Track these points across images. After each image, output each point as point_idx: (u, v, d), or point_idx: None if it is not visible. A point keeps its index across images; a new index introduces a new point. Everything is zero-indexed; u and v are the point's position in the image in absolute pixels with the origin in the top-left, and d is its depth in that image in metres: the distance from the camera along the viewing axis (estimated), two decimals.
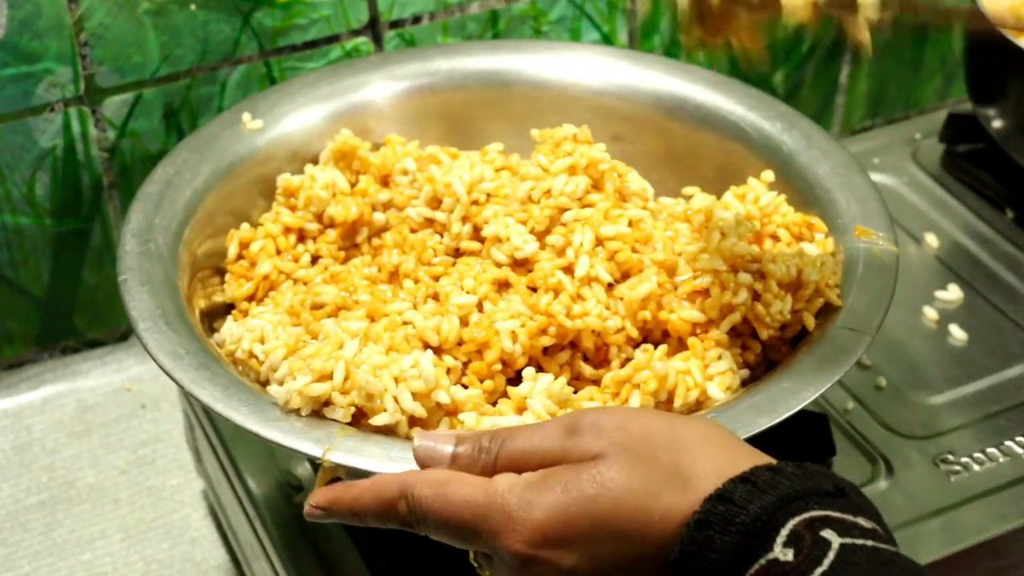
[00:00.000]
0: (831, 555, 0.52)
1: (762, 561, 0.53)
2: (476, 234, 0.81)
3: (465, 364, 0.74)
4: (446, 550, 0.76)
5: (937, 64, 1.25)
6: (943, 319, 0.95)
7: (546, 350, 0.75)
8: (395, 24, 1.02)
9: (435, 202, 0.83)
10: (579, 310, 0.75)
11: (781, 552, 0.53)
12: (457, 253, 0.81)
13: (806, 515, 0.54)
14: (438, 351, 0.73)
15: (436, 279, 0.79)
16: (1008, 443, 0.86)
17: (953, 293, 0.97)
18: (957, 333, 0.94)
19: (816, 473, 0.56)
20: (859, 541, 0.53)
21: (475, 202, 0.81)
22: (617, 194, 0.82)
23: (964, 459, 0.85)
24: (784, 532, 0.53)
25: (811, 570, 0.52)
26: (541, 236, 0.79)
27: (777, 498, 0.55)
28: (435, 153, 0.87)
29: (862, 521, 0.55)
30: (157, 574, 0.92)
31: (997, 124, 1.03)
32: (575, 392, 0.73)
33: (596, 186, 0.82)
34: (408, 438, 0.69)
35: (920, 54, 1.24)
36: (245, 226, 0.84)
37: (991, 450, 0.85)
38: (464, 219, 0.81)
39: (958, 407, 0.89)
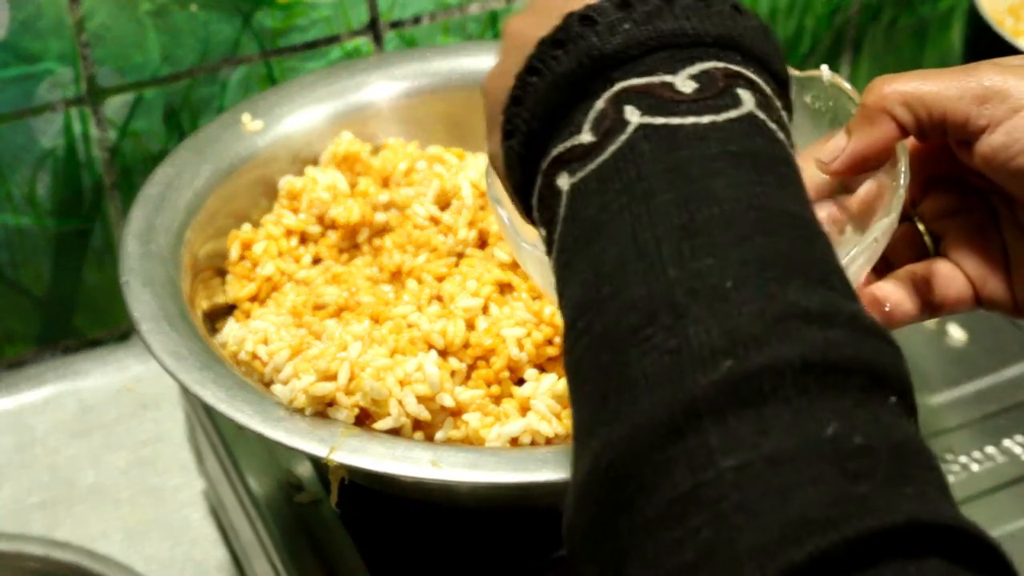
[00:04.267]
0: (621, 139, 0.46)
1: (568, 143, 0.48)
2: (480, 240, 0.81)
3: (470, 367, 0.74)
4: (446, 550, 0.76)
5: (937, 64, 1.26)
6: (942, 319, 0.95)
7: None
8: (395, 24, 1.02)
9: (442, 199, 0.83)
10: None
11: (586, 134, 0.47)
12: (459, 257, 0.81)
13: (621, 85, 0.47)
14: (443, 352, 0.74)
15: (440, 280, 0.79)
16: (1007, 443, 0.86)
17: None
18: (956, 333, 0.94)
19: (690, 10, 0.48)
20: (665, 120, 0.46)
21: (482, 195, 0.82)
22: None
23: (963, 459, 0.85)
24: (597, 107, 0.47)
25: (594, 158, 0.46)
26: None
27: (600, 55, 0.47)
28: (439, 154, 0.88)
29: (744, 75, 0.47)
30: (158, 574, 0.92)
31: None
32: None
33: None
34: (412, 440, 0.69)
35: (920, 54, 1.24)
36: (246, 227, 0.84)
37: (990, 450, 0.85)
38: (470, 224, 0.81)
39: (957, 407, 0.89)
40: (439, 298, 0.78)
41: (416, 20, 1.03)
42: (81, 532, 0.94)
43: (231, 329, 0.77)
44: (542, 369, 0.75)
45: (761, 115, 0.47)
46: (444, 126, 0.93)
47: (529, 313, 0.75)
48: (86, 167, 0.98)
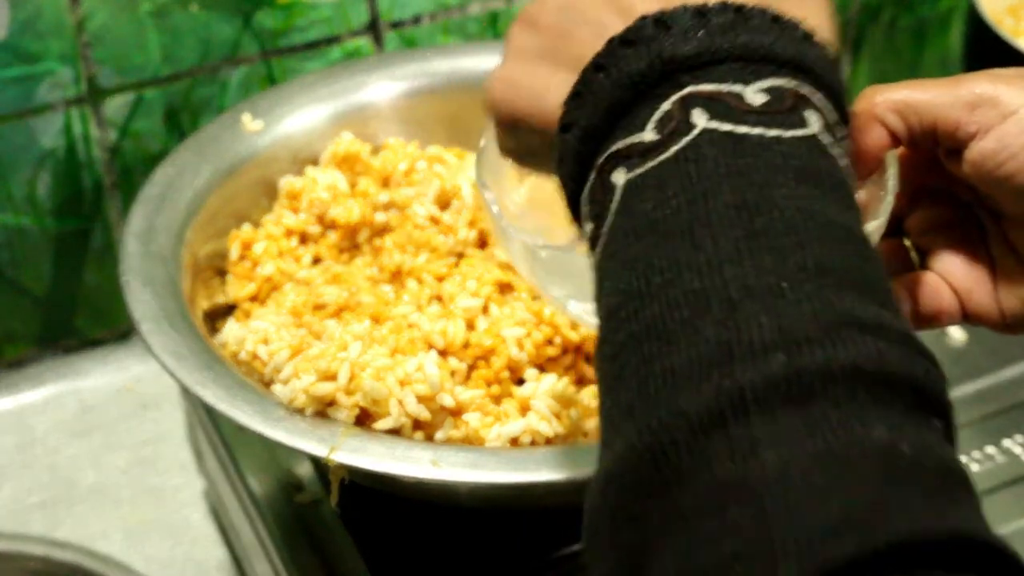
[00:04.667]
0: (685, 140, 0.46)
1: (628, 140, 0.47)
2: (480, 240, 0.81)
3: (470, 367, 0.74)
4: (446, 550, 0.77)
5: (937, 65, 1.26)
6: None
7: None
8: (395, 25, 1.02)
9: (442, 199, 0.83)
10: None
11: (649, 132, 0.47)
12: (459, 258, 0.81)
13: (689, 90, 0.47)
14: (443, 352, 0.74)
15: (440, 280, 0.79)
16: (1007, 443, 0.86)
17: None
18: (956, 333, 0.94)
19: (765, 28, 0.48)
20: (732, 127, 0.46)
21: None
22: None
23: (963, 459, 0.85)
24: (663, 108, 0.47)
25: (655, 156, 0.46)
26: None
27: (672, 58, 0.47)
28: (440, 154, 0.88)
29: (813, 100, 0.47)
30: (158, 574, 0.92)
31: None
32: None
33: None
34: (412, 440, 0.69)
35: (920, 54, 1.24)
36: (246, 227, 0.84)
37: (990, 450, 0.86)
38: (470, 224, 0.81)
39: (956, 407, 0.88)
40: (439, 298, 0.78)
41: (416, 20, 1.03)
42: (81, 532, 0.94)
43: (231, 329, 0.77)
44: (542, 369, 0.75)
45: (825, 139, 0.47)
46: (444, 126, 0.93)
47: (529, 313, 0.75)
48: (86, 167, 0.98)
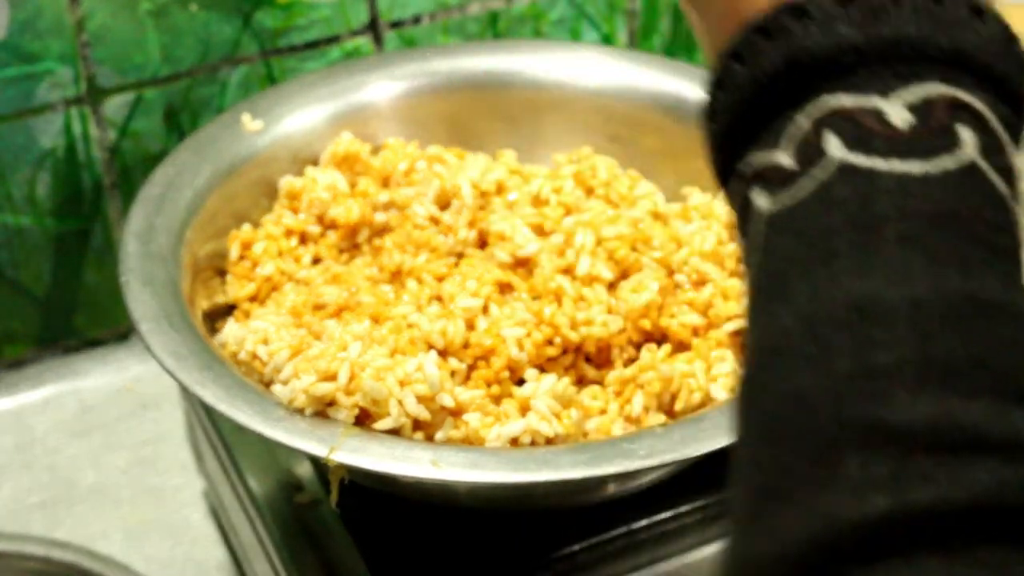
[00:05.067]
0: (819, 176, 0.41)
1: (767, 159, 0.43)
2: (480, 240, 0.81)
3: (470, 367, 0.74)
4: (446, 550, 0.77)
5: None
6: None
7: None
8: (395, 25, 1.02)
9: (442, 199, 0.83)
10: (583, 318, 0.75)
11: (784, 154, 0.42)
12: (459, 258, 0.82)
13: (826, 104, 0.42)
14: (443, 352, 0.74)
15: (440, 280, 0.79)
16: None
17: None
18: None
19: (918, 11, 0.42)
20: (869, 164, 0.40)
21: (483, 194, 0.82)
22: (622, 201, 0.84)
23: None
24: (799, 123, 0.42)
25: (792, 190, 0.42)
26: (547, 234, 0.79)
27: (810, 60, 0.42)
28: (440, 154, 0.88)
29: (981, 111, 0.41)
30: (158, 574, 0.92)
31: None
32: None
33: (604, 195, 0.84)
34: (412, 440, 0.69)
35: None
36: (246, 227, 0.84)
37: None
38: (471, 224, 0.81)
39: None
40: (439, 298, 0.78)
41: (416, 20, 1.03)
42: (81, 532, 0.94)
43: (231, 329, 0.77)
44: (542, 369, 0.75)
45: (983, 163, 0.41)
46: (444, 126, 0.93)
47: (529, 313, 0.75)
48: (86, 167, 0.98)
